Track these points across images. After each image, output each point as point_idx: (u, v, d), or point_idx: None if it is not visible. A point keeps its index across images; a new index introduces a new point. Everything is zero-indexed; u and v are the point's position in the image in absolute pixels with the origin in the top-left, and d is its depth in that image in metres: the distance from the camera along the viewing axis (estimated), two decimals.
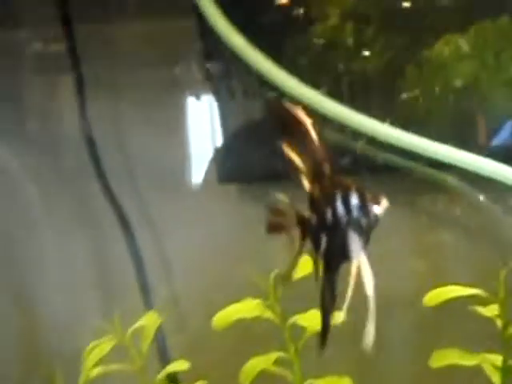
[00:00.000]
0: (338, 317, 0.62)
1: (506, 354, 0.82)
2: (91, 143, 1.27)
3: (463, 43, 1.57)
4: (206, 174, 1.31)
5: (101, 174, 1.26)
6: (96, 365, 0.90)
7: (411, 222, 1.29)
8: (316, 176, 0.62)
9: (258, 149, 1.32)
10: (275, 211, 0.64)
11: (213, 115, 1.33)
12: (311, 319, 0.84)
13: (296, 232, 0.63)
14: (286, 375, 0.88)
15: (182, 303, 1.27)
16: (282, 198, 0.63)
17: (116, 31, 1.29)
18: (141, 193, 1.29)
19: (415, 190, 1.25)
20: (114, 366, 0.91)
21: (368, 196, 0.61)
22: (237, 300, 0.93)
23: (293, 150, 0.63)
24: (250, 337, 1.12)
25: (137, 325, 0.94)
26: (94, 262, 1.31)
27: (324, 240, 0.62)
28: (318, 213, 0.62)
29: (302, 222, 0.63)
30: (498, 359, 0.83)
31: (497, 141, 1.38)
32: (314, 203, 0.62)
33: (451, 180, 1.30)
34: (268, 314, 0.87)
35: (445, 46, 1.62)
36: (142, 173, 1.31)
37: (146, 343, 0.93)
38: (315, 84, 1.59)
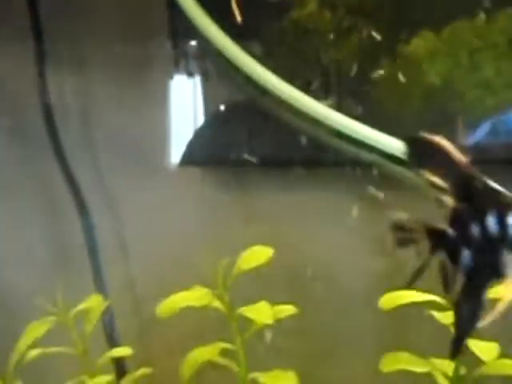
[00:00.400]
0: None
1: (457, 363, 0.81)
2: (51, 122, 1.23)
3: (438, 41, 1.57)
4: (170, 156, 1.29)
5: (60, 154, 1.23)
6: (32, 346, 0.88)
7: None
8: (464, 193, 0.62)
9: (223, 133, 1.30)
10: (401, 227, 0.64)
11: (181, 96, 1.30)
12: (259, 311, 0.83)
13: (424, 245, 0.64)
14: (231, 367, 0.87)
15: (138, 288, 1.25)
16: (402, 214, 0.65)
17: (83, 7, 1.26)
18: (102, 174, 1.27)
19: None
20: (53, 349, 0.89)
21: None
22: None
23: (436, 174, 0.63)
24: (205, 324, 1.10)
25: (80, 307, 0.92)
26: (49, 242, 1.29)
27: (467, 256, 0.62)
28: (462, 228, 0.61)
29: (435, 236, 0.63)
30: (450, 366, 0.82)
31: (471, 141, 1.37)
32: (457, 218, 0.62)
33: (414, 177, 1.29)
34: (216, 304, 0.85)
35: (421, 42, 1.61)
36: (104, 153, 1.29)
37: (89, 326, 0.91)
38: (292, 71, 1.58)
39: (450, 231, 0.62)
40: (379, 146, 1.27)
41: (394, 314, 0.95)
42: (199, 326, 1.09)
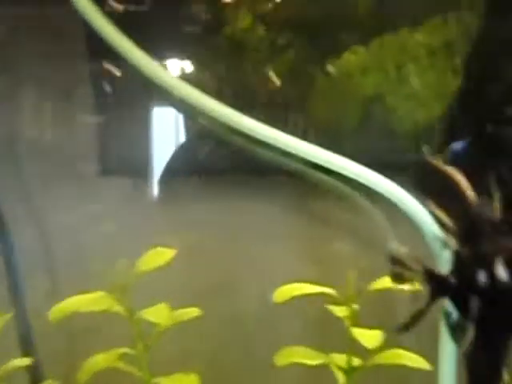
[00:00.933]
0: None
1: (349, 354, 0.83)
2: None
3: (367, 55, 1.59)
4: (91, 164, 1.28)
5: None
6: None
7: (303, 228, 1.29)
8: (470, 236, 0.58)
9: (143, 142, 1.29)
10: (397, 261, 0.60)
11: (104, 103, 1.29)
12: (159, 314, 0.82)
13: (424, 288, 0.60)
14: (133, 372, 0.86)
15: (56, 292, 1.23)
16: (400, 248, 0.60)
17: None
18: (24, 179, 1.25)
19: (309, 194, 1.25)
20: None
21: None
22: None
23: (442, 209, 0.59)
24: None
25: None
26: None
27: (475, 305, 0.57)
28: (467, 274, 0.57)
29: (434, 279, 0.59)
30: (343, 359, 0.83)
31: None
32: (461, 264, 0.58)
33: (341, 185, 1.30)
34: (116, 308, 0.84)
35: (351, 57, 1.64)
36: (26, 158, 1.27)
37: None
38: (225, 87, 1.59)
39: (453, 278, 0.58)
40: (305, 156, 1.27)
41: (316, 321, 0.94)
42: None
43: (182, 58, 1.64)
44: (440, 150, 1.04)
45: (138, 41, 1.31)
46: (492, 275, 0.55)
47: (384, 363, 0.77)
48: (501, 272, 0.55)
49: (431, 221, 0.86)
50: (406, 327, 0.59)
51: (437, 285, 0.58)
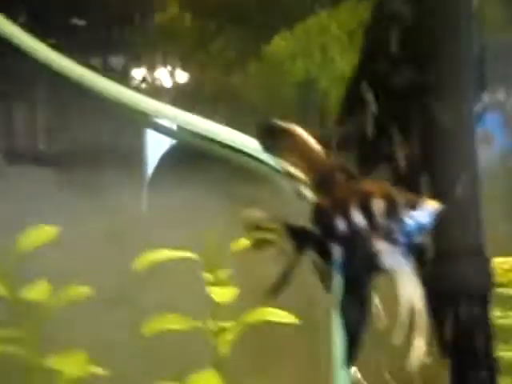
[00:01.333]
0: None
1: (215, 318, 0.81)
2: None
3: (295, 40, 1.60)
4: None
5: None
6: None
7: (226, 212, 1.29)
8: (324, 186, 0.59)
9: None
10: (256, 227, 0.60)
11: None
12: (39, 292, 0.81)
13: (287, 245, 0.60)
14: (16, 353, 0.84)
15: None
16: (258, 213, 0.60)
17: None
18: None
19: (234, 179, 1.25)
20: None
21: (400, 201, 0.57)
22: None
23: (293, 164, 0.60)
24: None
25: None
26: None
27: (339, 252, 0.58)
28: (327, 224, 0.59)
29: (297, 235, 0.60)
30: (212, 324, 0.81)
31: None
32: (319, 214, 0.59)
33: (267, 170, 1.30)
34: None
35: (281, 43, 1.64)
36: None
37: None
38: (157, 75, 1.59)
39: (315, 229, 0.59)
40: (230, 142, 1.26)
41: None
42: None
43: (115, 47, 1.64)
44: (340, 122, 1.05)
45: (60, 27, 1.29)
46: (349, 221, 0.57)
47: (252, 321, 0.78)
48: (356, 216, 0.57)
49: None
50: (276, 288, 0.59)
51: (300, 239, 0.59)
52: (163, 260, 0.76)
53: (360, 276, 0.57)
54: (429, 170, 0.75)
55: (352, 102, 0.98)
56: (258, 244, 0.59)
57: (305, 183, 0.58)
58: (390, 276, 0.54)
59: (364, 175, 0.78)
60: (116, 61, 1.38)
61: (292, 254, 0.58)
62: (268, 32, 1.59)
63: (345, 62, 1.49)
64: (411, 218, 0.56)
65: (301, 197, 0.58)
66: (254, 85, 1.62)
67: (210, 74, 1.62)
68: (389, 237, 0.56)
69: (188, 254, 0.78)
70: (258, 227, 0.59)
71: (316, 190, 0.58)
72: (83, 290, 0.83)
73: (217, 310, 0.78)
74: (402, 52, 0.86)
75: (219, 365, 0.77)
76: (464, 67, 0.80)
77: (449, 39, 0.83)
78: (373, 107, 0.89)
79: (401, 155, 0.84)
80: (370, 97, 0.89)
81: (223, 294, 0.75)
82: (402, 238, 0.56)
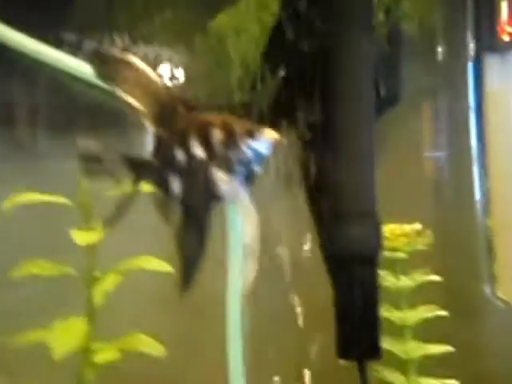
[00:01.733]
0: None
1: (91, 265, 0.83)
2: None
3: (237, 16, 1.62)
4: None
5: None
6: None
7: None
8: (164, 118, 0.59)
9: None
10: (90, 157, 0.60)
11: None
12: None
13: (122, 175, 0.60)
14: None
15: None
16: (93, 144, 0.60)
17: None
18: None
19: None
20: None
21: (239, 130, 0.57)
22: None
23: (131, 95, 0.60)
24: None
25: None
26: None
27: (177, 183, 0.59)
28: (166, 155, 0.59)
29: (135, 166, 0.60)
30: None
31: None
32: (159, 145, 0.60)
33: None
34: None
35: (225, 18, 1.67)
36: None
37: None
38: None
39: (154, 160, 0.59)
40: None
41: None
42: None
43: (56, 16, 1.65)
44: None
45: None
46: (188, 151, 0.58)
47: (126, 269, 0.79)
48: (195, 147, 0.58)
49: None
50: (113, 219, 0.60)
51: (138, 169, 0.60)
52: (34, 202, 0.76)
53: (199, 205, 0.58)
54: (328, 134, 0.79)
55: (265, 67, 1.02)
56: (92, 174, 0.61)
57: (144, 114, 0.60)
58: (227, 204, 0.58)
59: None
60: (57, 31, 1.40)
61: (130, 185, 0.59)
62: (214, 7, 1.62)
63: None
64: (249, 147, 0.57)
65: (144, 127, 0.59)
66: (199, 59, 1.65)
67: (155, 47, 1.64)
68: (227, 166, 0.57)
69: (60, 199, 0.77)
70: (94, 158, 0.60)
71: (155, 121, 0.59)
72: None
73: (92, 259, 0.79)
74: (308, 16, 0.89)
75: (92, 314, 0.78)
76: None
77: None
78: (282, 72, 0.94)
79: (304, 119, 0.88)
80: (279, 60, 0.93)
81: (85, 237, 0.74)
82: (240, 168, 0.57)
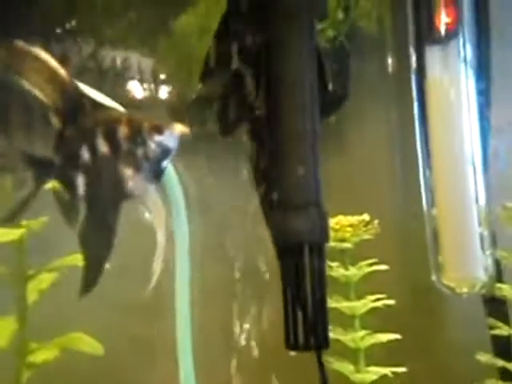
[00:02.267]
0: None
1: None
2: None
3: (200, 16, 1.64)
4: None
5: None
6: None
7: None
8: (69, 113, 0.58)
9: None
10: None
11: None
12: None
13: (27, 174, 0.59)
14: None
15: None
16: None
17: None
18: None
19: None
20: None
21: (145, 126, 0.57)
22: None
23: (37, 88, 0.59)
24: None
25: None
26: None
27: (82, 182, 0.58)
28: (70, 152, 0.58)
29: (38, 165, 0.59)
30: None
31: None
32: (63, 143, 0.59)
33: None
34: None
35: (190, 19, 1.68)
36: None
37: None
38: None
39: (57, 158, 0.58)
40: None
41: None
42: None
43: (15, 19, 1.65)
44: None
45: None
46: (94, 149, 0.57)
47: (63, 265, 0.79)
48: (101, 144, 0.57)
49: None
50: (13, 216, 0.59)
51: (41, 168, 0.59)
52: None
53: (105, 204, 0.58)
54: (272, 127, 0.80)
55: (212, 62, 1.03)
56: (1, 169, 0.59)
57: (51, 108, 0.58)
58: (136, 202, 0.58)
59: (225, 134, 0.84)
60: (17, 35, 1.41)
61: (32, 183, 0.58)
62: (176, 9, 1.63)
63: None
64: (156, 142, 0.57)
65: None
66: (163, 61, 1.66)
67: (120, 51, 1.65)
68: (133, 163, 0.57)
69: None
70: None
71: (60, 116, 0.58)
72: None
73: (22, 256, 0.79)
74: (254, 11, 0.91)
75: (25, 313, 0.77)
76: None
77: None
78: (231, 66, 0.95)
79: (251, 113, 0.89)
80: (226, 56, 0.94)
81: (5, 235, 0.73)
82: (147, 163, 0.57)
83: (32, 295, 0.77)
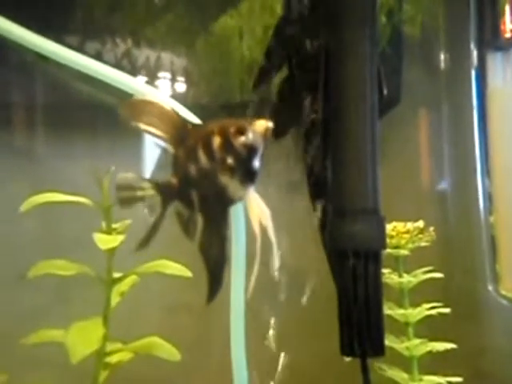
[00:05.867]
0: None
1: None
2: None
3: (241, 18, 1.63)
4: None
5: None
6: None
7: None
8: (180, 138, 0.64)
9: None
10: (124, 186, 0.65)
11: None
12: None
13: (155, 200, 0.64)
14: None
15: None
16: (131, 175, 0.65)
17: None
18: None
19: None
20: None
21: (230, 131, 0.61)
22: None
23: (151, 127, 0.65)
24: None
25: None
26: None
27: (196, 197, 0.63)
28: (183, 172, 0.63)
29: (164, 189, 0.64)
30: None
31: None
32: (176, 165, 0.64)
33: None
34: None
35: (229, 21, 1.68)
36: None
37: None
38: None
39: (174, 179, 0.64)
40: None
41: None
42: None
43: (57, 20, 1.66)
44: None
45: None
46: (198, 164, 0.62)
47: (145, 272, 0.80)
48: (202, 158, 0.62)
49: None
50: (145, 241, 0.64)
51: (164, 191, 0.64)
52: (57, 202, 0.77)
53: (216, 213, 0.62)
54: (331, 132, 0.80)
55: (267, 68, 1.04)
56: (127, 202, 0.65)
57: (165, 140, 0.65)
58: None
59: (278, 136, 0.84)
60: (58, 35, 1.41)
61: (160, 208, 0.64)
62: (216, 9, 1.63)
63: None
64: (242, 143, 0.60)
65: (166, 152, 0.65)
66: (201, 62, 1.66)
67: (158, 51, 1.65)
68: (229, 168, 0.61)
69: (85, 200, 0.78)
70: (128, 187, 0.65)
71: (173, 143, 0.64)
72: None
73: (111, 260, 0.79)
74: (312, 17, 0.91)
75: (108, 315, 0.78)
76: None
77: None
78: (287, 71, 0.94)
79: (309, 119, 0.89)
80: (282, 61, 0.94)
81: (107, 241, 0.75)
82: (239, 166, 0.60)
83: (115, 298, 0.78)
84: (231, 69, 1.67)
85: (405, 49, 1.10)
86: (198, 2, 1.66)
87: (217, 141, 0.61)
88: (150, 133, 0.65)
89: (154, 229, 0.64)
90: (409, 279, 0.95)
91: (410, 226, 0.96)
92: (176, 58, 1.64)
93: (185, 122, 0.64)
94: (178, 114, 0.65)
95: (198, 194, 0.62)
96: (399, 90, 1.01)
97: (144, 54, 1.69)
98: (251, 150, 0.61)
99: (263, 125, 0.61)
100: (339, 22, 0.84)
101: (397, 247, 0.96)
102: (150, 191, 0.64)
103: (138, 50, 1.68)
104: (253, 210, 0.62)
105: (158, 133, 0.64)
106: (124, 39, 1.66)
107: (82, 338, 0.70)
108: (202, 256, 0.63)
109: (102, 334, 0.72)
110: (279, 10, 1.62)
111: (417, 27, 1.33)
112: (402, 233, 0.95)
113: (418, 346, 0.94)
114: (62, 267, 0.76)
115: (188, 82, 1.62)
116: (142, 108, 0.65)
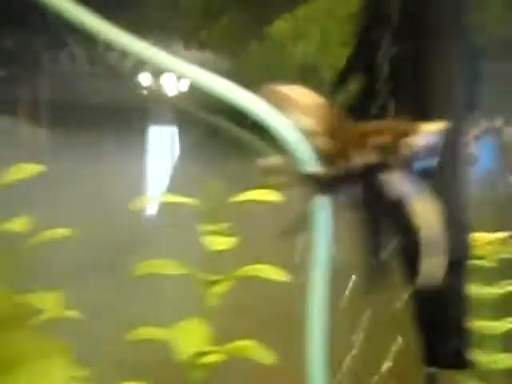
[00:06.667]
0: None
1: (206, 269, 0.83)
2: None
3: (297, 22, 1.63)
4: None
5: None
6: None
7: None
8: (333, 132, 0.62)
9: None
10: (269, 171, 0.64)
11: None
12: None
13: (301, 188, 0.62)
14: None
15: None
16: (273, 160, 0.63)
17: None
18: None
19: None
20: None
21: (404, 130, 0.60)
22: None
23: (305, 120, 0.63)
24: None
25: None
26: None
27: (355, 191, 0.62)
28: (338, 166, 0.61)
29: (312, 180, 0.62)
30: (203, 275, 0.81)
31: None
32: (332, 158, 0.62)
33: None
34: None
35: (283, 24, 1.68)
36: None
37: None
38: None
39: (328, 173, 0.62)
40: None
41: None
42: None
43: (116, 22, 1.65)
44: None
45: None
46: (357, 160, 0.60)
47: (243, 275, 0.78)
48: (366, 154, 0.60)
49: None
50: (294, 229, 0.63)
51: (316, 183, 0.62)
52: (162, 202, 0.76)
53: (380, 209, 0.61)
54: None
55: (350, 70, 1.03)
56: (280, 186, 0.65)
57: (318, 134, 0.63)
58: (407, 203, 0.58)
59: None
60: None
61: (305, 199, 0.62)
62: (270, 13, 1.64)
63: (344, 46, 1.52)
64: (419, 143, 0.59)
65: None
66: (255, 65, 1.66)
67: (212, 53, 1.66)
68: (401, 166, 0.59)
69: (188, 200, 0.77)
70: (273, 171, 0.63)
71: (326, 137, 0.62)
72: (66, 231, 0.84)
73: (209, 262, 0.79)
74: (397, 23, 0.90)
75: (205, 316, 0.77)
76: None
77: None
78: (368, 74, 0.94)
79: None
80: (366, 65, 0.93)
81: (221, 243, 0.75)
82: (416, 164, 0.59)
83: (214, 299, 0.77)
84: (285, 71, 1.67)
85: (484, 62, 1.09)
86: (252, 5, 1.67)
87: (384, 139, 0.59)
88: (296, 122, 0.62)
89: (301, 219, 0.61)
90: (495, 290, 0.93)
91: (492, 236, 0.95)
92: (230, 60, 1.64)
93: (337, 114, 0.63)
94: (328, 107, 0.63)
95: (357, 189, 0.61)
96: (482, 93, 0.99)
97: (198, 57, 1.70)
98: (429, 150, 0.59)
99: (438, 126, 0.59)
100: (431, 27, 0.83)
101: (480, 258, 0.94)
102: (296, 179, 0.61)
103: (191, 52, 1.68)
104: (419, 212, 0.59)
105: (309, 123, 0.62)
106: (179, 42, 1.67)
107: (188, 338, 0.70)
108: (369, 248, 0.62)
109: (206, 335, 0.72)
110: (340, 13, 1.62)
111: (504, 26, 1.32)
112: (485, 244, 0.93)
113: (505, 360, 0.92)
114: (167, 267, 0.76)
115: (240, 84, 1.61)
116: (291, 97, 0.63)
